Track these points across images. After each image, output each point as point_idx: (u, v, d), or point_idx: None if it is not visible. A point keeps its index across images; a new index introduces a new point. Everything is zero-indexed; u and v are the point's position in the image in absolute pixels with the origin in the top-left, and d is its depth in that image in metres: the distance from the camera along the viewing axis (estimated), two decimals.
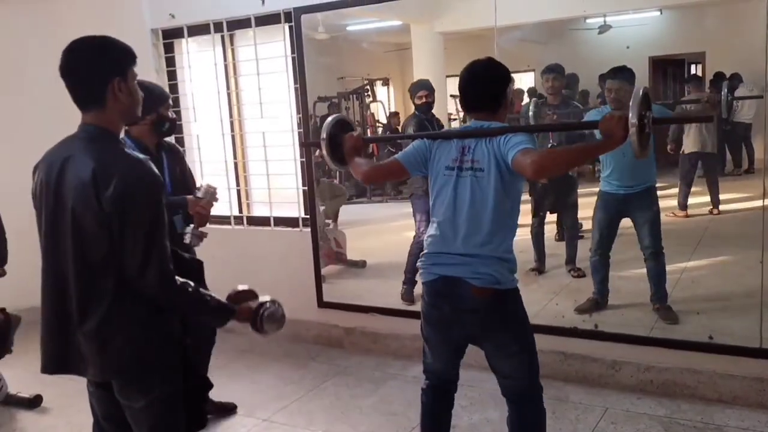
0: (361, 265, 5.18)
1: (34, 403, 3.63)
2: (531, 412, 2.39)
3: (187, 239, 2.89)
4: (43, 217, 1.91)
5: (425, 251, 2.35)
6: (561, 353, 3.55)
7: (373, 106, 7.14)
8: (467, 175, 2.23)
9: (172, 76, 4.60)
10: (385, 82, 7.20)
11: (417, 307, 4.09)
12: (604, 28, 4.73)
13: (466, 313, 2.27)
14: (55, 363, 1.97)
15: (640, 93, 1.95)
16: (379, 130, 7.13)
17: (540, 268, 4.50)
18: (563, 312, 3.82)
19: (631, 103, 1.94)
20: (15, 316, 3.67)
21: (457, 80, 2.35)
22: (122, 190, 1.72)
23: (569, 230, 4.44)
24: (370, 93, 7.18)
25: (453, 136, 2.32)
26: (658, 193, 3.81)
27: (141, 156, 1.86)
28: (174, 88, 4.59)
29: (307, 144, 4.06)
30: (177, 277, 1.86)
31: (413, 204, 4.50)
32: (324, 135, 2.44)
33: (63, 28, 4.78)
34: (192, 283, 1.92)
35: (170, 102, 2.98)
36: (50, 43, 4.75)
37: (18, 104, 4.78)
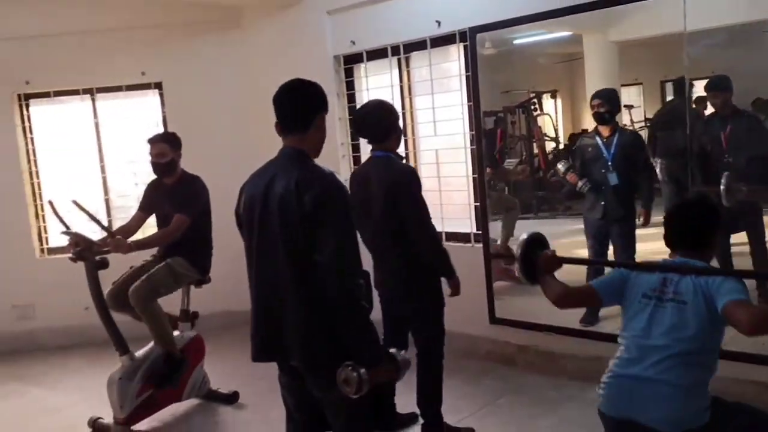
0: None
1: (231, 398, 4.00)
2: None
3: None
4: (254, 225, 2.18)
5: (608, 371, 2.27)
6: (763, 384, 3.23)
7: (539, 119, 7.02)
8: (668, 306, 2.16)
9: (351, 99, 4.89)
10: (553, 95, 7.06)
11: (595, 327, 3.97)
12: None
13: None
14: (264, 352, 2.23)
15: None
16: (549, 144, 6.98)
17: None
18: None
19: None
20: (186, 360, 3.91)
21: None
22: (320, 193, 2.04)
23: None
24: (537, 106, 7.08)
25: (657, 269, 2.26)
26: None
27: (331, 171, 2.17)
28: (353, 110, 4.87)
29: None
30: (359, 283, 2.05)
31: (585, 223, 4.36)
32: (519, 251, 2.43)
33: (253, 56, 5.33)
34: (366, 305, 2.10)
35: None
36: (242, 70, 5.34)
37: (212, 127, 5.33)
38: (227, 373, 4.38)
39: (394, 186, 2.98)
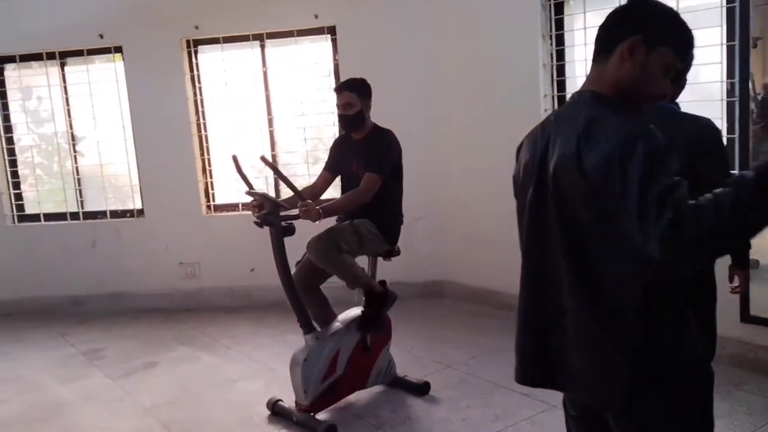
0: (753, 265, 4.14)
1: (422, 389, 3.47)
2: None
3: None
4: (526, 203, 1.58)
5: None
6: None
7: None
8: None
9: (559, 41, 4.08)
10: (753, 44, 5.84)
11: None
12: None
13: None
14: (534, 375, 1.63)
15: None
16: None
17: None
18: None
19: None
20: (392, 293, 3.52)
21: None
22: (606, 154, 1.33)
23: None
24: None
25: None
26: None
27: (639, 115, 1.48)
28: (561, 54, 4.08)
29: None
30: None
31: None
32: None
33: None
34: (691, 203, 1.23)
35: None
36: (426, 10, 4.66)
37: (392, 77, 4.74)
38: (413, 359, 3.89)
39: (699, 143, 2.21)
